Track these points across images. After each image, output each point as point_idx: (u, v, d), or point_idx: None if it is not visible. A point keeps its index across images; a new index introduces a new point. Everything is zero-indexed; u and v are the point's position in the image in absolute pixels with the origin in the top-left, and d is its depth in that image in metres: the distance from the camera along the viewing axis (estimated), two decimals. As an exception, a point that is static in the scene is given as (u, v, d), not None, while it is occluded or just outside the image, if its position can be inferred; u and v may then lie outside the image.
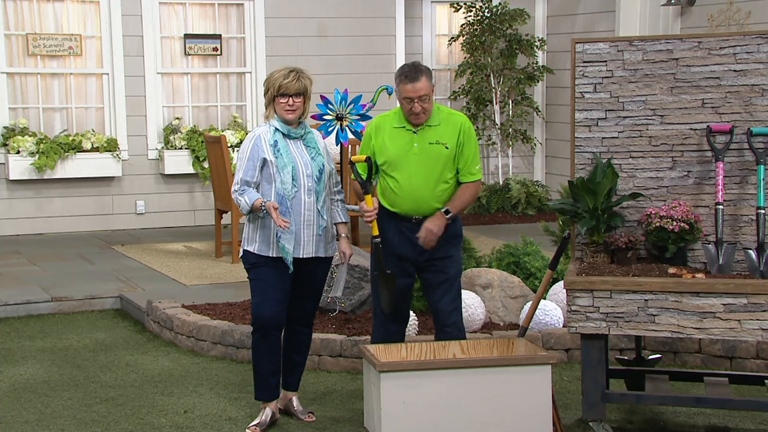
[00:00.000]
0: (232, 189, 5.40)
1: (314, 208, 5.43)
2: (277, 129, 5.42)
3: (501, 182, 12.69)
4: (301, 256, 5.41)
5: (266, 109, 5.47)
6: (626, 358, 6.00)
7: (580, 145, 5.47)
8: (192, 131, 11.58)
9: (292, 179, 5.35)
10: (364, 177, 5.42)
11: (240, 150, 5.45)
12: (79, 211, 11.38)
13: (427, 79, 5.31)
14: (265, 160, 5.36)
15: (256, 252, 5.41)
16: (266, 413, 5.50)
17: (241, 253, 5.53)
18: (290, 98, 5.37)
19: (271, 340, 5.45)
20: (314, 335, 6.15)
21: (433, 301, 5.53)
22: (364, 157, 5.43)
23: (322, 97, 6.90)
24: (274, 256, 5.37)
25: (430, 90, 5.32)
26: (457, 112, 5.53)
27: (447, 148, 5.36)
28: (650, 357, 6.04)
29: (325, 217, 5.46)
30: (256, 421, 5.49)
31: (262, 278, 5.41)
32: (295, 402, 5.67)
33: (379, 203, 5.44)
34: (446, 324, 5.51)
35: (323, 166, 5.47)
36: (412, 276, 5.54)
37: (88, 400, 6.01)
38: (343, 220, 5.59)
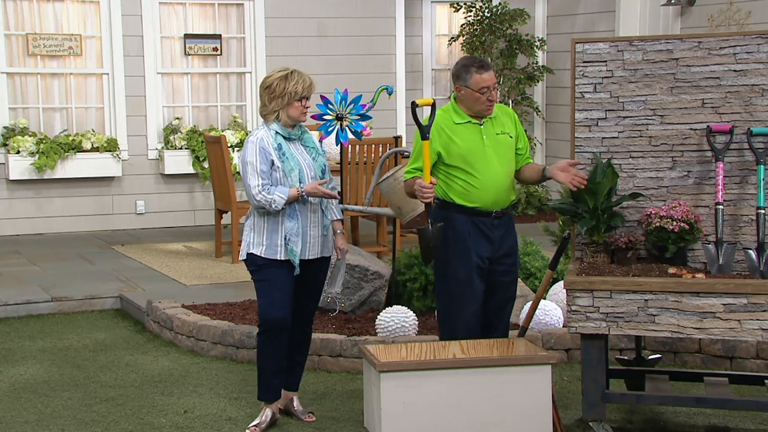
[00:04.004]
0: (255, 192, 5.29)
1: (319, 209, 5.45)
2: (278, 132, 5.41)
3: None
4: (307, 257, 5.43)
5: (271, 113, 5.40)
6: (626, 358, 6.00)
7: (580, 145, 5.46)
8: (192, 131, 11.57)
9: (299, 182, 5.36)
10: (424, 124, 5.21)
11: (246, 155, 5.35)
12: (79, 211, 11.38)
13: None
14: (272, 163, 5.35)
15: (263, 255, 5.38)
16: (266, 413, 5.50)
17: (243, 256, 5.49)
18: (305, 101, 5.41)
19: (277, 341, 5.44)
20: (314, 335, 6.14)
21: (497, 300, 5.45)
22: (431, 100, 5.34)
23: (322, 97, 6.87)
24: (283, 258, 5.37)
25: None
26: (500, 104, 5.53)
27: (511, 137, 5.38)
28: (650, 357, 6.04)
29: (328, 217, 5.50)
30: (256, 421, 5.49)
31: (269, 280, 5.40)
32: (295, 402, 5.67)
33: (442, 200, 5.30)
34: (501, 322, 5.49)
35: (324, 165, 5.49)
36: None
37: (88, 400, 6.01)
38: (338, 217, 5.59)
